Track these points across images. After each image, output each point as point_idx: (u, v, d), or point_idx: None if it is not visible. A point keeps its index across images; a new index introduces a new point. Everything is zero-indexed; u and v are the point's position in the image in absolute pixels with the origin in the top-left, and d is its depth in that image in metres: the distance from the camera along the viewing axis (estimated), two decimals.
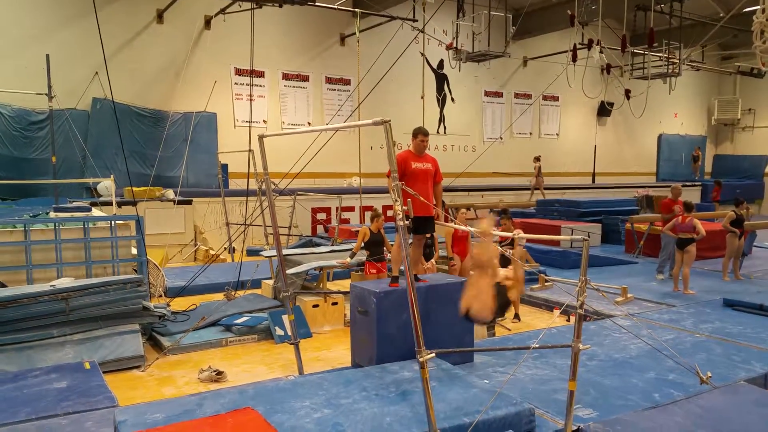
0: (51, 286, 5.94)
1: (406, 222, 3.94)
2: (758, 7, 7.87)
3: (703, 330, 6.67)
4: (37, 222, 7.25)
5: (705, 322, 6.98)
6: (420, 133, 5.54)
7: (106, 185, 11.71)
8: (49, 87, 10.91)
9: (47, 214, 8.43)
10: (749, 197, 20.11)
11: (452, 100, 18.91)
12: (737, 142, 26.31)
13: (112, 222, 7.40)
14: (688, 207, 8.81)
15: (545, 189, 17.57)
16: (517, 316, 7.65)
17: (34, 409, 4.40)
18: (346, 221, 14.29)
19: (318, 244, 11.56)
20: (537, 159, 17.58)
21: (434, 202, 5.51)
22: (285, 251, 8.10)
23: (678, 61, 17.69)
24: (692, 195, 20.34)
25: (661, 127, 24.24)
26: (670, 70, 17.81)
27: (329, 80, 16.85)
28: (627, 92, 16.87)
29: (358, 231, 8.02)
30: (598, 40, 14.57)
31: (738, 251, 9.57)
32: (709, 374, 4.73)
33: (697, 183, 22.39)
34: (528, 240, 9.21)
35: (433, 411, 3.66)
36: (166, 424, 3.75)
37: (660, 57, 17.83)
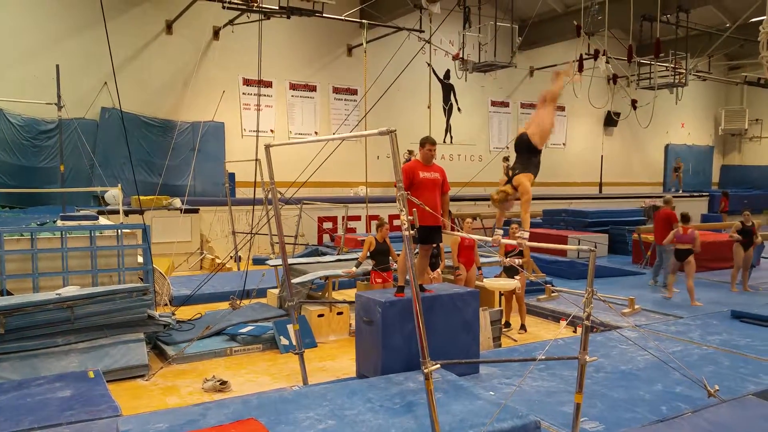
0: (56, 294, 5.95)
1: (412, 232, 3.92)
2: (765, 17, 7.85)
3: (710, 342, 6.61)
4: (44, 230, 7.27)
5: (712, 334, 6.92)
6: (427, 143, 5.50)
7: (114, 194, 11.77)
8: (59, 97, 11.01)
9: (54, 222, 8.46)
10: (757, 208, 19.98)
11: (459, 110, 18.93)
12: (745, 153, 26.18)
13: (119, 231, 7.42)
14: (685, 218, 8.81)
15: (552, 199, 17.50)
16: (523, 327, 7.61)
17: (37, 417, 4.40)
18: (352, 230, 14.28)
19: (324, 254, 11.56)
20: (506, 159, 15.75)
21: (441, 212, 5.49)
22: (291, 260, 8.11)
23: (684, 71, 17.67)
24: (700, 206, 20.23)
25: (668, 137, 24.17)
26: (676, 80, 17.78)
27: (336, 90, 16.94)
28: (633, 102, 16.85)
29: (364, 240, 8.01)
30: (605, 51, 14.58)
31: (746, 262, 9.50)
32: (717, 387, 4.69)
33: (705, 193, 22.21)
34: (534, 249, 9.18)
35: (437, 423, 3.64)
36: None
37: (666, 67, 17.81)
